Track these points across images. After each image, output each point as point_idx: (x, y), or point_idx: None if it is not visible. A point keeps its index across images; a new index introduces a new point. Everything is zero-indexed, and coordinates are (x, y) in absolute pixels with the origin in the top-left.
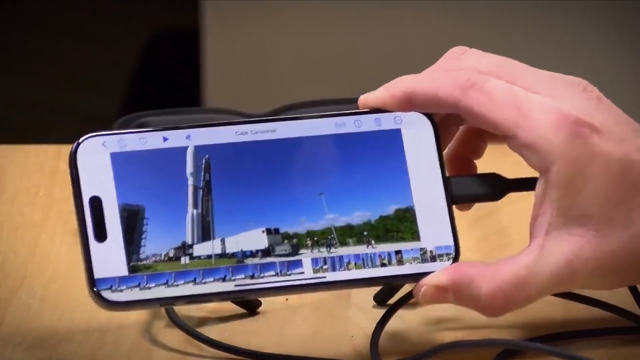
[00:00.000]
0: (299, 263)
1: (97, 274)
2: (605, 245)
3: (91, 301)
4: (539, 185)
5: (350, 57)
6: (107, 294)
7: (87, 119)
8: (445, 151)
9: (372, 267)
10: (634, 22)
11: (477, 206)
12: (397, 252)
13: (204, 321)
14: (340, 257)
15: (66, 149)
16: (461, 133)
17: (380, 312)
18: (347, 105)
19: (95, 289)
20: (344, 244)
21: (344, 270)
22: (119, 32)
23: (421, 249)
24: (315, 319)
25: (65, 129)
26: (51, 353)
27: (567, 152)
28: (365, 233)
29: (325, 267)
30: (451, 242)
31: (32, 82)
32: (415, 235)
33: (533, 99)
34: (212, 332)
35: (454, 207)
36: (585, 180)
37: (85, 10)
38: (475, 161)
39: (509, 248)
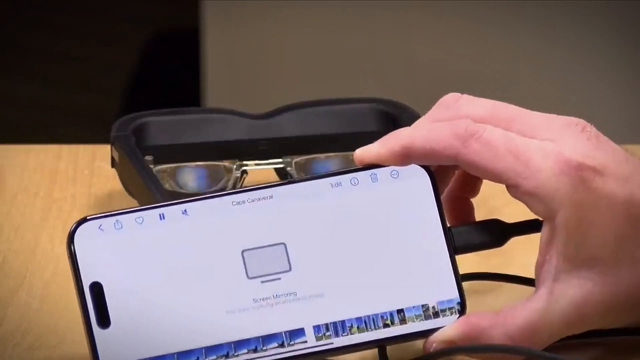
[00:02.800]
0: (301, 332)
1: None
2: (614, 286)
3: None
4: (544, 232)
5: (350, 56)
6: None
7: (87, 119)
8: (443, 194)
9: (375, 329)
10: (634, 22)
11: (477, 207)
12: (399, 311)
13: None
14: (343, 322)
15: (66, 149)
16: (457, 174)
17: None
18: (346, 105)
19: None
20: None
21: (347, 335)
22: (119, 32)
23: (423, 306)
24: None
25: (65, 129)
26: (51, 353)
27: (572, 198)
28: (370, 288)
29: (328, 333)
30: (456, 295)
31: (32, 82)
32: (419, 291)
33: (532, 145)
34: None
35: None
36: (591, 224)
37: (85, 10)
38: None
39: (509, 248)
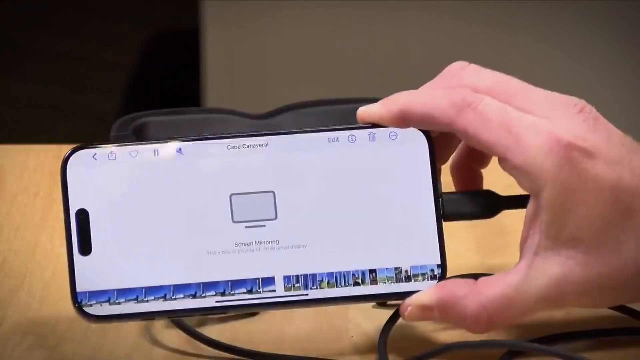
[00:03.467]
0: (271, 280)
1: (80, 288)
2: (595, 267)
3: None
4: (529, 207)
5: (350, 56)
6: (90, 309)
7: (87, 119)
8: (450, 162)
9: (345, 286)
10: (634, 22)
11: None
12: (372, 271)
13: (204, 321)
14: (314, 276)
15: (66, 149)
16: (466, 144)
17: (381, 312)
18: (346, 105)
19: (77, 304)
20: (337, 261)
21: (316, 289)
22: (119, 32)
23: (396, 268)
24: (315, 319)
25: (65, 129)
26: (51, 353)
27: (558, 177)
28: (359, 248)
29: (297, 285)
30: (437, 261)
31: (32, 82)
32: (403, 253)
33: (526, 120)
34: (212, 332)
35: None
36: (576, 204)
37: (85, 10)
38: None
39: (509, 248)
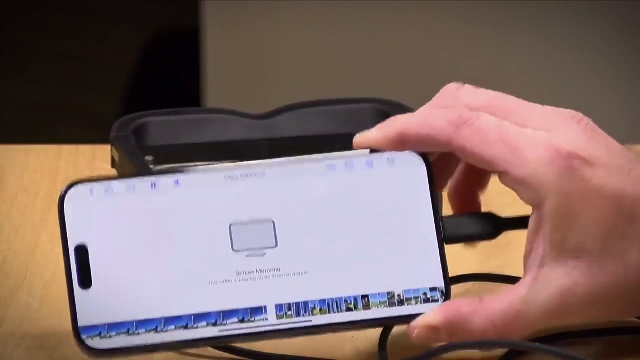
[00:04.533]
0: (262, 309)
1: (82, 322)
2: (600, 277)
3: None
4: (532, 220)
5: (350, 56)
6: (92, 342)
7: (87, 119)
8: (449, 185)
9: (338, 312)
10: (634, 22)
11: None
12: (364, 296)
13: None
14: (305, 303)
15: (66, 149)
16: (464, 166)
17: None
18: (346, 105)
19: (80, 337)
20: (333, 286)
21: (308, 316)
22: (119, 32)
23: (388, 293)
24: None
25: (65, 129)
26: (51, 353)
27: (560, 186)
28: (357, 275)
29: (289, 312)
30: (441, 283)
31: (32, 82)
32: (405, 276)
33: (524, 133)
34: None
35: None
36: (579, 213)
37: (85, 10)
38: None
39: (509, 248)
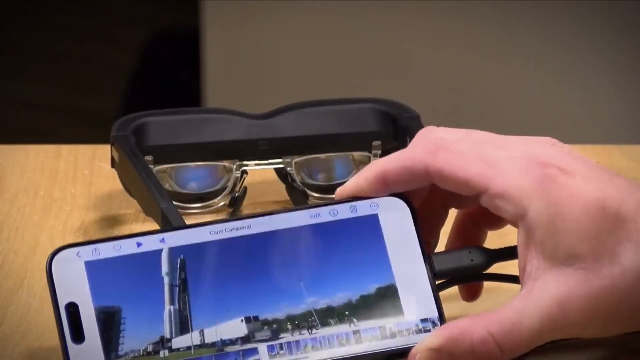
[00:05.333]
0: (254, 351)
1: None
2: (596, 281)
3: None
4: (520, 234)
5: (350, 56)
6: None
7: (87, 119)
8: (449, 239)
9: (332, 347)
10: (634, 22)
11: None
12: (355, 332)
13: None
14: (297, 342)
15: (66, 149)
16: (456, 222)
17: None
18: (346, 105)
19: None
20: (325, 324)
21: (302, 353)
22: (119, 32)
23: (380, 327)
24: None
25: (65, 129)
26: (51, 353)
27: (541, 193)
28: (347, 313)
29: (282, 352)
30: (435, 315)
31: (32, 82)
32: (399, 311)
33: (501, 152)
34: None
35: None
36: (565, 219)
37: (85, 10)
38: None
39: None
